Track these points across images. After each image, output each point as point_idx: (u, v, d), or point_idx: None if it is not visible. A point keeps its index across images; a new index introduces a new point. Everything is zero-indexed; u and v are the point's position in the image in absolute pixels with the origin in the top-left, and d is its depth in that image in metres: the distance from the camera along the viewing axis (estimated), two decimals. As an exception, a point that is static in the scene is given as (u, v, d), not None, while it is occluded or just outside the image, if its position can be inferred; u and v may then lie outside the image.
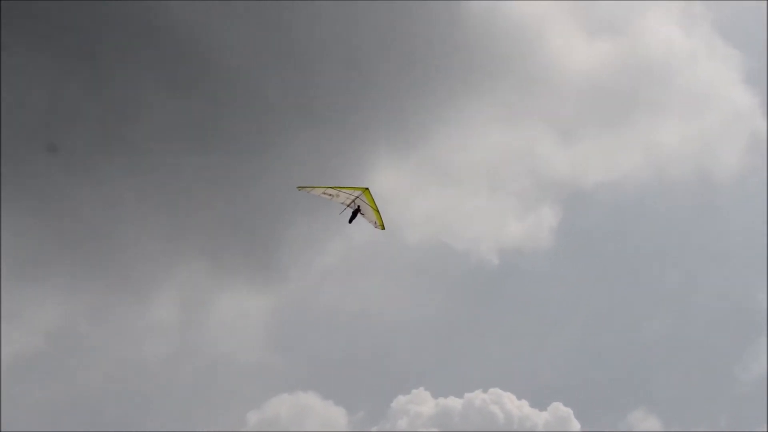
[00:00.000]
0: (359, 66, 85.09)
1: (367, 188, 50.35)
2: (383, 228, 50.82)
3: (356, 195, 50.30)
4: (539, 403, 78.82)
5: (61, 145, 77.39)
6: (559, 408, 79.12)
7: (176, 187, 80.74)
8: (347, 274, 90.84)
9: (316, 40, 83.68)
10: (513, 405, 78.50)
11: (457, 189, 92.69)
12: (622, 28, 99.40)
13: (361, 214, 50.65)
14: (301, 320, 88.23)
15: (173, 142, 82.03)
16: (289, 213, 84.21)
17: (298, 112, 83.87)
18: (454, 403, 79.03)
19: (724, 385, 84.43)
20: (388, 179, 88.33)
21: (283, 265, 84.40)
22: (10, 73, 72.82)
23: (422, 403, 79.47)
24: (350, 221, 51.25)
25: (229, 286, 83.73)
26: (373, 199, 50.27)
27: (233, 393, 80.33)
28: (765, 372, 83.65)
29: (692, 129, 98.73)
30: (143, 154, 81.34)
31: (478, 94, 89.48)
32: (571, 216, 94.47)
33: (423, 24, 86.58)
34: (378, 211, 50.43)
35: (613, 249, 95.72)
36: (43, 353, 76.68)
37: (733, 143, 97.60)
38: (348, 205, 50.60)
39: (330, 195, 50.66)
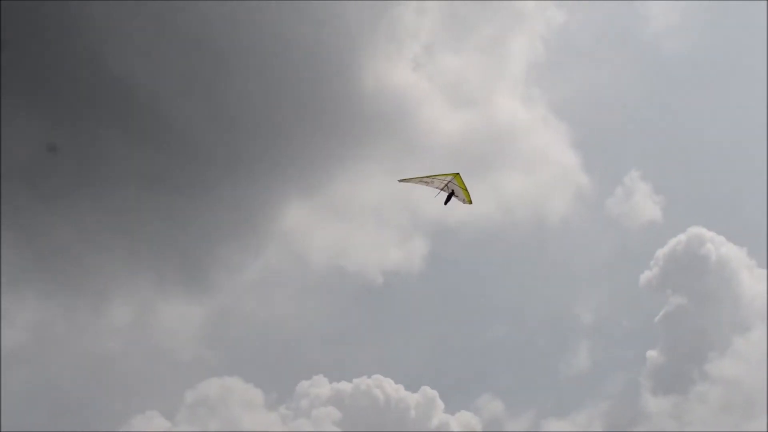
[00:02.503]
0: (277, 125, 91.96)
1: (457, 173, 51.20)
2: (471, 203, 51.54)
3: (448, 180, 51.33)
4: (412, 387, 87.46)
5: (41, 184, 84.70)
6: (427, 390, 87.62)
7: (130, 218, 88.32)
8: (265, 287, 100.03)
9: (244, 102, 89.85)
10: (391, 388, 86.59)
11: (351, 223, 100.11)
12: (478, 103, 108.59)
13: (455, 196, 51.77)
14: (228, 323, 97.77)
15: (130, 182, 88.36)
16: (219, 239, 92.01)
17: (225, 161, 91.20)
18: (345, 386, 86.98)
19: (551, 377, 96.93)
20: (297, 215, 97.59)
21: (214, 280, 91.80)
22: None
23: (320, 386, 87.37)
24: (446, 203, 52.16)
25: (171, 296, 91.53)
26: (463, 182, 51.14)
27: (173, 377, 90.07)
28: (583, 368, 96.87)
29: (531, 182, 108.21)
30: (105, 191, 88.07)
31: (369, 150, 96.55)
32: (439, 246, 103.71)
33: (328, 93, 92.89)
34: (467, 190, 51.31)
35: (469, 272, 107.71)
36: (25, 347, 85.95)
37: (562, 194, 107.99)
38: (442, 189, 51.72)
39: (426, 182, 51.80)
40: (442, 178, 51.27)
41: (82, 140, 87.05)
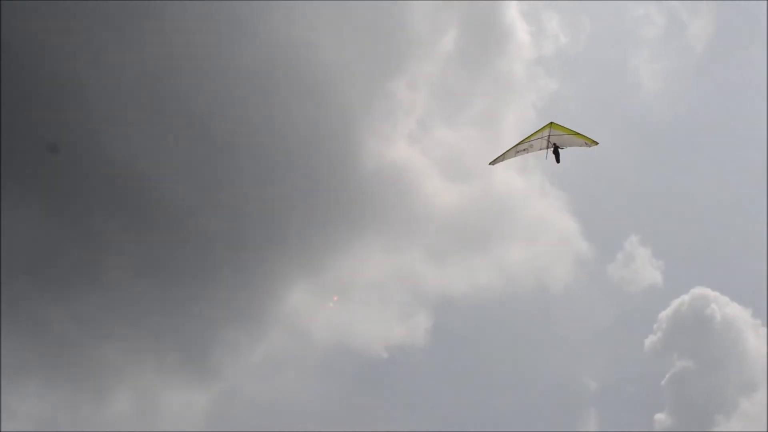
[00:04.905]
0: (278, 207, 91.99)
1: (551, 122, 45.67)
2: (596, 143, 45.08)
3: (547, 134, 45.69)
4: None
5: (42, 274, 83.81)
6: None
7: (131, 305, 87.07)
8: (269, 369, 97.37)
9: (244, 186, 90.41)
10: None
11: (354, 301, 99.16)
12: (475, 175, 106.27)
13: (561, 148, 46.56)
14: (233, 406, 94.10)
15: (130, 270, 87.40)
16: (222, 323, 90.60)
17: (226, 245, 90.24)
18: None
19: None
20: (301, 296, 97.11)
21: (217, 364, 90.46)
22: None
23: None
24: (557, 160, 46.68)
25: (174, 383, 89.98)
26: (564, 127, 45.32)
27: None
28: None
29: (532, 251, 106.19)
30: (105, 278, 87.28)
31: (370, 227, 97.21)
32: (442, 319, 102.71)
33: (327, 174, 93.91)
34: (577, 132, 45.06)
35: (473, 343, 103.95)
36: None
37: (563, 261, 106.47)
38: (546, 148, 46.34)
39: (525, 150, 46.47)
40: (537, 135, 46.10)
41: (81, 228, 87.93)
